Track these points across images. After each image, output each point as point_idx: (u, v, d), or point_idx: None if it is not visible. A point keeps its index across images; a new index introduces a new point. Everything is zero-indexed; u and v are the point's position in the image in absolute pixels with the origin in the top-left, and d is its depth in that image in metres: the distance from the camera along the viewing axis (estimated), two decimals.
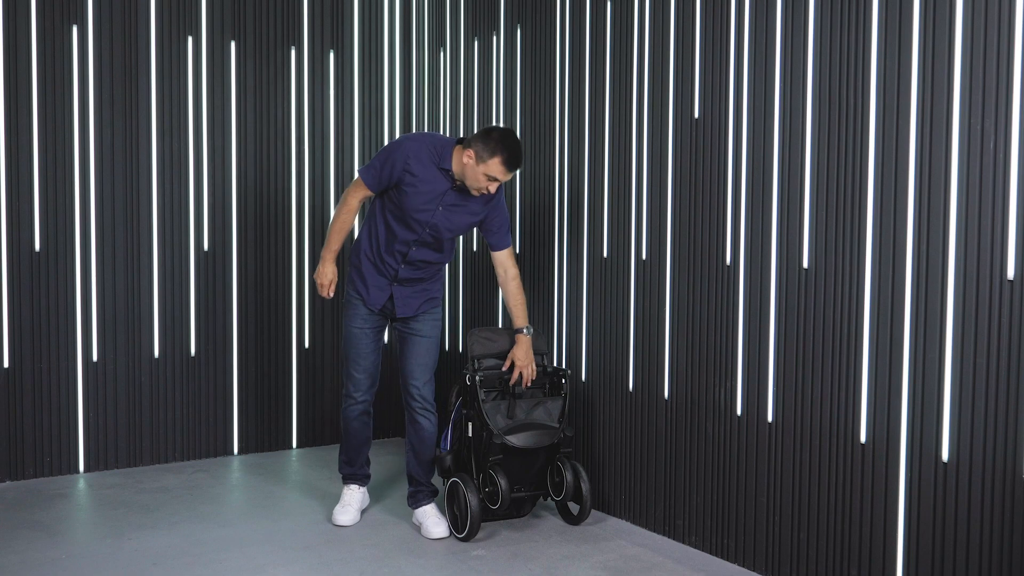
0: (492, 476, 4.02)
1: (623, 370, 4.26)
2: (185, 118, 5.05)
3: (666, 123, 4.00)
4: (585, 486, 4.11)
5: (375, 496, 4.58)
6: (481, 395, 4.14)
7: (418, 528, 4.16)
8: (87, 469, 4.89)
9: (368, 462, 4.37)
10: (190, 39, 5.04)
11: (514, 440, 4.04)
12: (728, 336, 3.78)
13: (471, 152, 3.89)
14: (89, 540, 4.01)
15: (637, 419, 4.20)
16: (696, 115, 3.88)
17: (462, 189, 4.00)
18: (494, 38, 5.01)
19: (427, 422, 4.16)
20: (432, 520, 4.12)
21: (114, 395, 4.94)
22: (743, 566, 3.75)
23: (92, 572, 3.67)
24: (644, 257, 4.13)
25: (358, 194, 4.10)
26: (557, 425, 4.15)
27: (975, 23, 2.96)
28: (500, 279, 4.24)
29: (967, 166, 2.98)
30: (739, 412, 3.75)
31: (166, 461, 5.08)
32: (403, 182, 3.96)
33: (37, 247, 4.73)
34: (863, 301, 3.30)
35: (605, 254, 4.33)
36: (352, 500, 4.27)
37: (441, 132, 5.42)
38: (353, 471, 4.32)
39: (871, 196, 3.26)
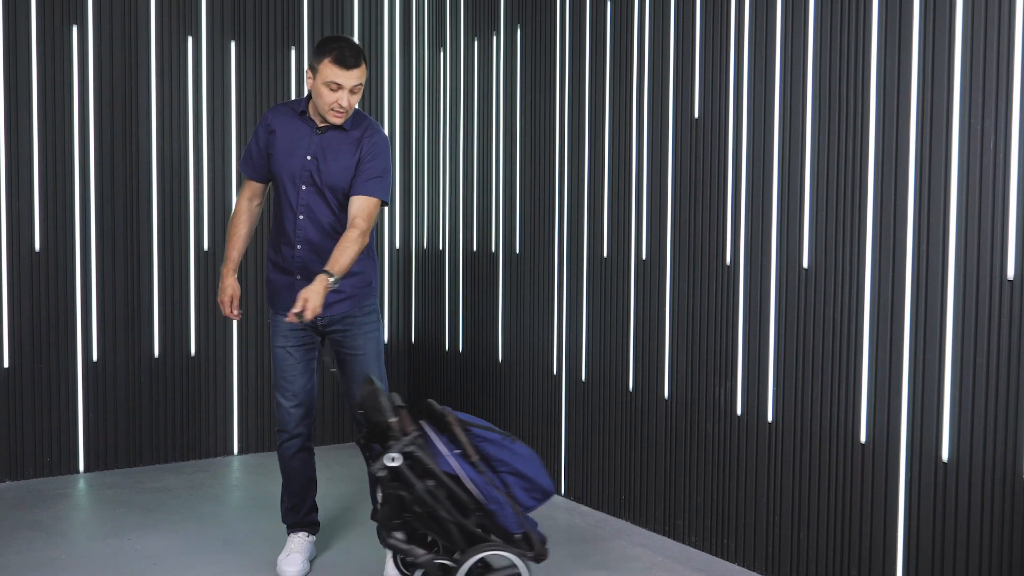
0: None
1: (623, 370, 4.26)
2: (185, 118, 5.05)
3: (666, 123, 4.00)
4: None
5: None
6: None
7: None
8: (87, 469, 4.89)
9: (315, 508, 3.83)
10: (190, 39, 5.04)
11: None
12: (728, 336, 3.78)
13: (309, 72, 3.54)
14: (89, 540, 4.01)
15: (637, 419, 4.20)
16: (696, 115, 3.88)
17: (331, 135, 3.60)
18: (494, 38, 5.01)
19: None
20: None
21: (114, 395, 4.93)
22: (743, 566, 3.75)
23: (92, 572, 3.67)
24: (644, 257, 4.13)
25: (243, 192, 3.74)
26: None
27: (975, 23, 2.96)
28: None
29: (967, 166, 2.99)
30: (739, 412, 3.75)
31: (166, 461, 5.08)
32: (270, 145, 3.63)
33: (37, 247, 4.73)
34: (863, 301, 3.30)
35: (605, 254, 4.33)
36: (299, 548, 3.72)
37: (441, 133, 5.42)
38: (298, 519, 3.77)
39: (871, 196, 3.26)
